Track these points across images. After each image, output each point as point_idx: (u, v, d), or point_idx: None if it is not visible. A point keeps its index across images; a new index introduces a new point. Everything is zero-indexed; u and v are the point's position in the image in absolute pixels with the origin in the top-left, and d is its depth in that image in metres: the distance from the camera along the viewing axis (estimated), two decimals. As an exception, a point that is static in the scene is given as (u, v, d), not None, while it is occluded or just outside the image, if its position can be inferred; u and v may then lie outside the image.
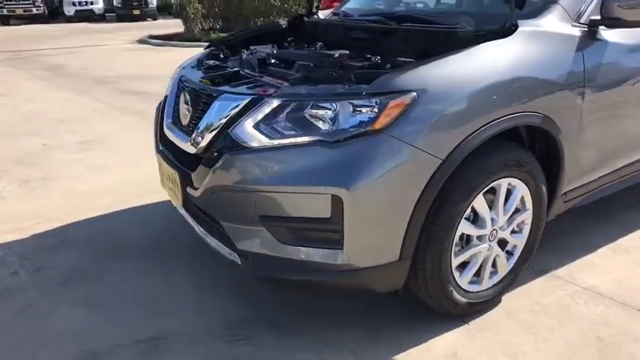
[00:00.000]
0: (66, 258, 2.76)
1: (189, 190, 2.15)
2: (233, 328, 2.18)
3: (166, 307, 2.33)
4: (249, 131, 1.92)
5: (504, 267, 2.25)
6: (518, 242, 2.26)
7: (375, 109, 1.76)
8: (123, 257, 2.76)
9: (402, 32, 2.42)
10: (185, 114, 2.27)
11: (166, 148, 2.42)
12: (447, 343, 2.08)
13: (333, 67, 2.18)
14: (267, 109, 1.91)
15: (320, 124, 1.83)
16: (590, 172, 2.45)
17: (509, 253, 2.27)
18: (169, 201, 2.55)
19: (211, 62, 2.59)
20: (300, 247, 1.87)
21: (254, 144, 1.89)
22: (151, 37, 14.25)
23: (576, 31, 2.20)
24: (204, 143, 2.07)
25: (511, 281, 2.30)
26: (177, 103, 2.44)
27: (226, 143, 1.96)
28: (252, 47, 2.91)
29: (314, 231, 1.84)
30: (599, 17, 2.20)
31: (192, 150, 2.14)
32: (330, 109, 1.83)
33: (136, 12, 21.64)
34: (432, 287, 2.01)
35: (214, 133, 2.03)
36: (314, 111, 1.85)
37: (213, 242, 2.14)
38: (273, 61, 2.44)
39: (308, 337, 2.12)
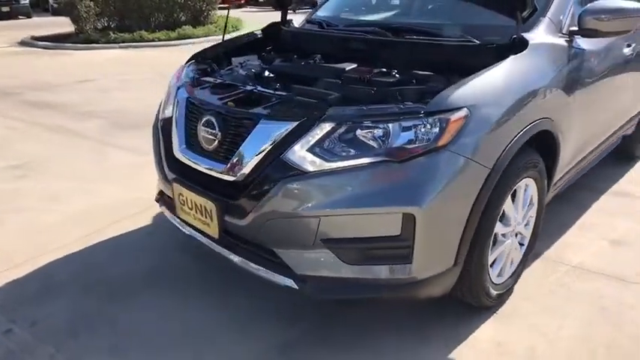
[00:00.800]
0: (59, 305, 2.48)
1: (229, 219, 2.07)
2: (287, 351, 2.16)
3: (205, 341, 2.22)
4: (304, 155, 1.90)
5: (518, 257, 2.49)
6: (527, 233, 2.51)
7: (437, 127, 1.85)
8: (124, 294, 2.56)
9: (410, 45, 2.51)
10: (209, 139, 2.16)
11: (184, 176, 2.29)
12: (487, 334, 2.26)
13: (362, 83, 2.22)
14: (320, 132, 1.90)
15: (374, 144, 1.87)
16: (571, 161, 2.78)
17: (521, 244, 2.51)
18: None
19: (213, 80, 2.48)
20: (365, 266, 1.91)
21: (311, 168, 1.88)
22: (35, 38, 12.87)
23: (562, 41, 2.48)
24: (246, 170, 2.01)
25: (522, 269, 2.55)
26: (191, 127, 2.31)
27: (279, 169, 1.93)
28: (241, 60, 2.84)
29: (381, 249, 1.89)
30: (577, 28, 2.49)
31: (229, 177, 2.07)
32: (384, 129, 1.87)
33: (5, 9, 19.22)
34: (475, 286, 2.17)
35: (259, 159, 1.98)
36: (367, 131, 1.88)
37: (259, 271, 2.09)
38: (292, 78, 2.41)
39: (362, 348, 2.17)
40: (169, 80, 2.86)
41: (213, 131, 2.15)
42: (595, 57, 2.71)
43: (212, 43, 3.29)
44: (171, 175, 2.36)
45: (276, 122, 1.99)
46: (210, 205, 2.12)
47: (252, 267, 2.11)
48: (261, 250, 2.05)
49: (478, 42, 2.34)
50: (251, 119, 2.06)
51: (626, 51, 3.11)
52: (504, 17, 2.43)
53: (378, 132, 1.87)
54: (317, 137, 1.91)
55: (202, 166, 2.20)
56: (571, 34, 2.52)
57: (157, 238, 3.06)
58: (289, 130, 1.94)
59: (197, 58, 2.87)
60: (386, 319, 2.34)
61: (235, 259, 2.15)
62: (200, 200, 2.17)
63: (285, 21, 3.25)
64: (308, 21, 3.30)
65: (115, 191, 3.72)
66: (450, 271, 2.01)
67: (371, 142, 1.87)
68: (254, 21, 13.65)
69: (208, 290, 2.56)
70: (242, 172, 2.02)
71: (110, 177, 4.02)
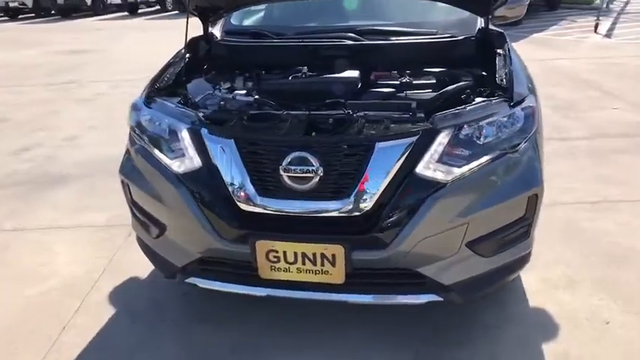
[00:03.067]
0: None
1: (359, 257, 1.87)
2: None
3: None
4: (436, 167, 1.87)
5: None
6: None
7: (529, 116, 2.04)
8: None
9: (401, 46, 2.59)
10: (304, 178, 1.85)
11: (271, 228, 1.91)
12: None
13: (415, 88, 2.24)
14: (442, 140, 1.89)
15: (488, 140, 1.96)
16: None
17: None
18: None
19: (242, 111, 2.08)
20: (499, 255, 2.02)
21: (449, 177, 1.87)
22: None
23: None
24: (375, 199, 1.84)
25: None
26: (257, 170, 1.92)
27: (416, 188, 1.85)
28: (223, 87, 2.43)
29: (510, 233, 2.02)
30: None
31: (355, 212, 1.85)
32: (489, 125, 1.97)
33: None
34: None
35: (386, 183, 1.85)
36: (477, 131, 1.95)
37: (395, 299, 1.96)
38: (326, 94, 2.21)
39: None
40: (130, 122, 2.26)
41: (311, 168, 1.86)
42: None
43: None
44: (242, 233, 1.94)
45: (393, 142, 1.87)
46: (332, 250, 1.86)
47: (388, 300, 1.96)
48: (402, 276, 1.93)
49: (462, 36, 2.61)
50: (363, 145, 1.87)
51: None
52: (457, 12, 2.74)
53: (488, 130, 1.96)
54: (441, 146, 1.88)
55: (304, 210, 1.89)
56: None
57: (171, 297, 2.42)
58: (412, 146, 1.86)
59: (151, 95, 2.31)
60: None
61: (365, 299, 1.96)
62: (312, 248, 1.87)
63: (208, 34, 2.86)
64: (228, 32, 2.98)
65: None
66: None
67: (484, 140, 1.96)
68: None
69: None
70: (370, 202, 1.84)
71: None
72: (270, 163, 1.90)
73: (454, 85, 2.21)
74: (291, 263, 1.91)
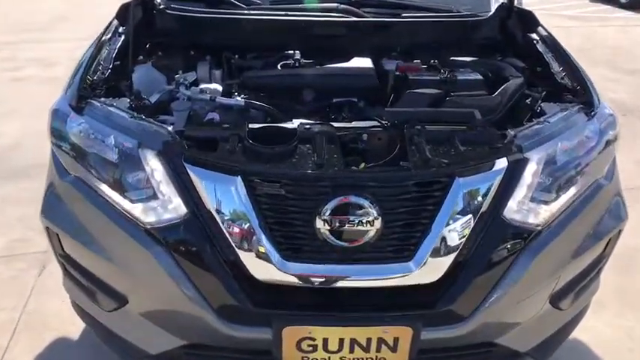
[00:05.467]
0: None
1: (428, 336, 1.34)
2: None
3: None
4: (528, 207, 1.38)
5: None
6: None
7: (607, 128, 1.59)
8: None
9: (412, 25, 1.99)
10: (354, 232, 1.25)
11: (302, 306, 1.32)
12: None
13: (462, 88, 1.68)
14: (534, 170, 1.38)
15: (579, 165, 1.48)
16: None
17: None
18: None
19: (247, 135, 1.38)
20: (577, 302, 1.60)
21: (541, 220, 1.39)
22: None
23: None
24: (451, 257, 1.31)
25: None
26: (278, 223, 1.27)
27: (504, 238, 1.36)
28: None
29: (589, 277, 1.60)
30: None
31: (424, 277, 1.31)
32: (580, 145, 1.50)
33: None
34: None
35: (466, 235, 1.31)
36: (568, 154, 1.47)
37: None
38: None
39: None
40: (53, 139, 1.49)
41: (365, 218, 1.25)
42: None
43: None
44: (258, 313, 1.30)
45: (479, 175, 1.32)
46: (394, 332, 1.30)
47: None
48: (468, 347, 1.44)
49: (480, 14, 2.08)
50: (439, 182, 1.30)
51: None
52: None
53: (576, 150, 1.48)
54: (533, 178, 1.38)
55: (354, 278, 1.30)
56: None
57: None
58: (501, 179, 1.34)
59: (83, 94, 1.52)
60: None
61: None
62: (366, 332, 1.30)
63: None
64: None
65: None
66: None
67: (576, 166, 1.47)
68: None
69: None
70: (446, 262, 1.30)
71: None
72: (302, 211, 1.27)
73: (513, 85, 1.69)
74: (333, 352, 1.33)
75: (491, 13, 2.10)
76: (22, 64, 5.32)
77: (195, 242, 1.30)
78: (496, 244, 1.35)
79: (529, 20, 2.04)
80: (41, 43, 6.08)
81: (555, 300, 1.50)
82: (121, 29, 1.91)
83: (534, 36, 1.98)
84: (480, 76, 1.75)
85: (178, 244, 1.31)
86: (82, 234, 1.41)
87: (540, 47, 1.91)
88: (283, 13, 1.96)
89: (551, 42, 1.90)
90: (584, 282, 1.57)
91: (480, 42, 2.08)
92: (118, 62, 1.74)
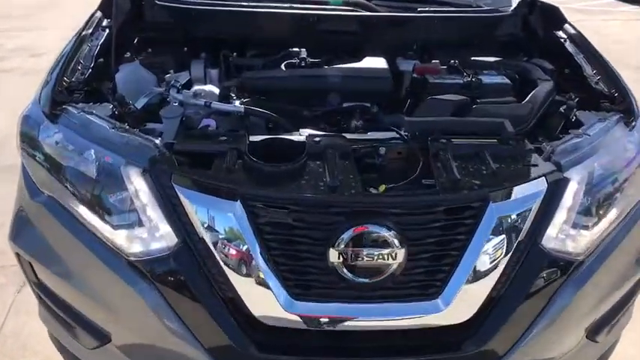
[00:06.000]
0: None
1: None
2: None
3: None
4: (568, 234, 1.21)
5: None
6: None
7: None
8: None
9: (431, 22, 1.80)
10: (370, 269, 1.08)
11: (319, 349, 1.13)
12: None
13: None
14: (575, 191, 1.21)
15: (621, 183, 1.31)
16: None
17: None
18: None
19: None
20: (611, 334, 1.44)
21: (582, 248, 1.23)
22: None
23: None
24: (484, 294, 1.13)
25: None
26: (282, 258, 1.09)
27: (542, 269, 1.19)
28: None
29: (625, 305, 1.44)
30: None
31: (453, 316, 1.13)
32: (620, 160, 1.32)
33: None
34: None
35: (502, 267, 1.14)
36: (610, 171, 1.29)
37: None
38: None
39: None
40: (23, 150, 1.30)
41: (386, 251, 1.07)
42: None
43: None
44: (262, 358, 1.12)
45: (516, 199, 1.14)
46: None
47: None
48: None
49: (502, 9, 1.89)
50: (471, 207, 1.12)
51: None
52: None
53: (616, 167, 1.31)
54: (574, 201, 1.21)
55: (373, 319, 1.12)
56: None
57: None
58: (540, 203, 1.16)
59: (59, 100, 1.32)
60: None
61: None
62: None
63: None
64: None
65: None
66: None
67: (618, 185, 1.30)
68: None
69: None
70: (479, 299, 1.14)
71: None
72: (313, 243, 1.09)
73: (544, 90, 1.51)
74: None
75: (512, 7, 1.92)
76: (7, 55, 5.08)
77: (187, 278, 1.12)
78: (534, 277, 1.19)
79: (554, 16, 1.86)
80: (28, 32, 5.82)
81: (592, 333, 1.34)
82: (105, 22, 1.71)
83: (561, 34, 1.80)
84: (507, 80, 1.56)
85: (168, 280, 1.13)
86: (57, 263, 1.23)
87: (570, 47, 1.73)
88: (287, 5, 1.77)
89: (581, 41, 1.72)
90: (622, 312, 1.41)
91: (502, 40, 1.90)
92: (102, 60, 1.55)
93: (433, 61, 1.68)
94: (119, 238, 1.15)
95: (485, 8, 1.90)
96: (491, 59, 1.76)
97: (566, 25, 1.82)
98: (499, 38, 1.90)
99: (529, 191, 1.16)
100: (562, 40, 1.77)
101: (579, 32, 1.77)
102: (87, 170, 1.19)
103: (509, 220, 1.14)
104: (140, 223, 1.14)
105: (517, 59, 1.80)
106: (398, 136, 1.32)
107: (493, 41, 1.89)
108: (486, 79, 1.53)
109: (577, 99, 1.52)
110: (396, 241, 1.07)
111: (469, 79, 1.52)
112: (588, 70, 1.61)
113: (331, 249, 1.07)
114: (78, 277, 1.19)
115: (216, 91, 1.52)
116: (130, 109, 1.38)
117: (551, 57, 1.76)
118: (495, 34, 1.89)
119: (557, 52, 1.75)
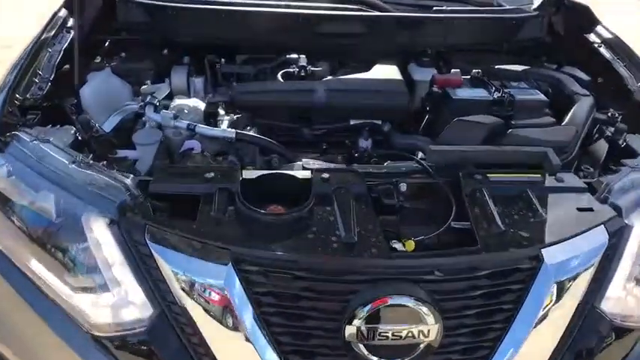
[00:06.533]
0: None
1: None
2: None
3: None
4: (630, 293, 0.99)
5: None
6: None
7: None
8: None
9: (446, 24, 1.55)
10: (395, 348, 0.86)
11: None
12: None
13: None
14: (635, 240, 0.99)
15: None
16: None
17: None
18: None
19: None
20: None
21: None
22: None
23: None
24: None
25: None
26: (285, 335, 0.86)
27: (602, 336, 0.97)
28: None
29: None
30: None
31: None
32: None
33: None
34: None
35: (558, 338, 0.93)
36: None
37: None
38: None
39: None
40: None
41: (418, 328, 0.85)
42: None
43: None
44: None
45: (571, 257, 0.93)
46: None
47: None
48: None
49: (525, 9, 1.65)
50: (522, 268, 0.89)
51: None
52: None
53: None
54: (636, 253, 0.99)
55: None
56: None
57: None
58: (596, 262, 0.94)
59: (11, 122, 1.08)
60: None
61: None
62: None
63: None
64: None
65: None
66: None
67: None
68: None
69: None
70: None
71: None
72: (325, 317, 0.87)
73: (584, 107, 1.29)
74: None
75: (535, 6, 1.69)
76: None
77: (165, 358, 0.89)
78: (593, 349, 0.96)
79: (585, 17, 1.64)
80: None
81: None
82: (70, 22, 1.45)
83: (593, 37, 1.58)
84: (542, 96, 1.33)
85: None
86: (2, 332, 0.99)
87: (606, 53, 1.51)
88: (284, 4, 1.52)
89: (618, 46, 1.50)
90: None
91: (526, 44, 1.67)
92: (67, 67, 1.30)
93: (453, 70, 1.45)
94: (81, 304, 0.92)
95: (508, 8, 1.67)
96: (519, 68, 1.53)
97: (599, 27, 1.60)
98: (523, 42, 1.67)
99: (590, 244, 0.94)
100: (595, 44, 1.56)
101: (616, 36, 1.56)
102: (42, 207, 0.95)
103: (567, 283, 0.92)
104: (106, 287, 0.91)
105: (545, 67, 1.58)
106: (418, 166, 1.09)
107: (517, 45, 1.66)
108: (519, 95, 1.30)
109: (620, 117, 1.31)
110: (429, 316, 0.85)
111: (499, 94, 1.29)
112: (631, 82, 1.40)
113: (347, 325, 0.85)
114: (29, 354, 0.96)
115: (202, 106, 1.28)
116: (96, 132, 1.14)
117: (582, 64, 1.54)
118: (519, 37, 1.66)
119: (589, 58, 1.54)
